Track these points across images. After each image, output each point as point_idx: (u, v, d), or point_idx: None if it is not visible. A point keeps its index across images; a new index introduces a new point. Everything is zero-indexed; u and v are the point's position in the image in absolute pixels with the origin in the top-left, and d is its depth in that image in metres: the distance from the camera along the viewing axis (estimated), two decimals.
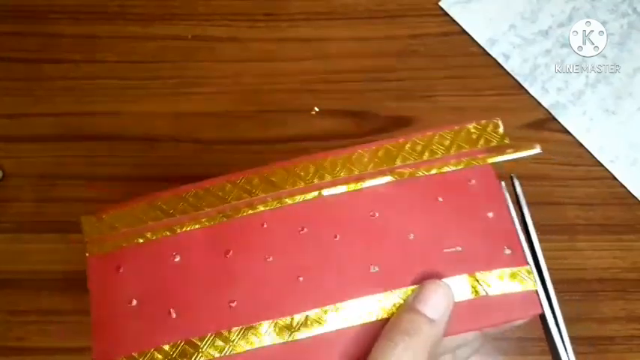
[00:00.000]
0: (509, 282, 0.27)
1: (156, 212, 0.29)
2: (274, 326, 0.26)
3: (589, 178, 0.43)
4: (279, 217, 0.28)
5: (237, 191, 0.29)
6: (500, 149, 0.30)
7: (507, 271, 0.27)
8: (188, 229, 0.29)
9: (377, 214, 0.28)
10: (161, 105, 0.45)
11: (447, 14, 0.47)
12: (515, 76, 0.46)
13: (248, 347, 0.26)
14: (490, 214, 0.28)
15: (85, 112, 0.45)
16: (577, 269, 0.41)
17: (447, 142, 0.29)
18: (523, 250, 0.27)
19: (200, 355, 0.26)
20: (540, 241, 0.28)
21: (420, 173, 0.29)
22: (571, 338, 0.40)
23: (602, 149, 0.43)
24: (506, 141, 0.30)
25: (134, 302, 0.27)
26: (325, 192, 0.29)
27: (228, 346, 0.26)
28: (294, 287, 0.27)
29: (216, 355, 0.26)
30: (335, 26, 0.47)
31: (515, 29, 0.47)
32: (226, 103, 0.45)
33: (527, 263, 0.27)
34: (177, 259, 0.28)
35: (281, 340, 0.26)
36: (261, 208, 0.29)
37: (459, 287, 0.27)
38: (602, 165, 0.43)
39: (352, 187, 0.29)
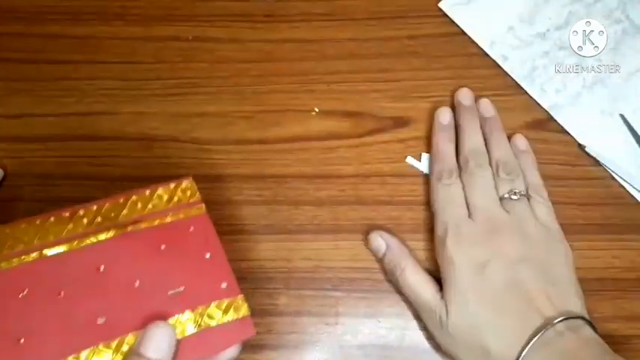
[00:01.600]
0: (227, 312, 0.30)
1: None
2: None
3: (588, 178, 0.43)
4: None
5: None
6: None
7: (225, 302, 0.30)
8: None
9: (102, 268, 0.30)
10: (161, 105, 0.46)
11: (446, 15, 0.48)
12: (514, 77, 0.46)
13: None
14: (207, 255, 0.31)
15: (86, 113, 0.45)
16: (576, 269, 0.41)
17: (166, 197, 0.33)
18: (236, 282, 0.31)
19: None
20: None
21: (143, 225, 0.32)
22: None
23: (601, 149, 0.44)
24: (198, 194, 0.34)
25: None
26: (47, 251, 0.30)
27: None
28: (14, 350, 0.28)
29: None
30: (334, 27, 0.47)
31: (513, 31, 0.47)
32: (226, 103, 0.46)
33: (241, 293, 0.31)
34: None
35: None
36: None
37: (183, 324, 0.29)
38: (600, 165, 0.43)
39: (75, 244, 0.30)
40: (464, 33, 0.47)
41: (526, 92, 0.45)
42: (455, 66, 0.46)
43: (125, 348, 0.28)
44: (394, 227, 0.42)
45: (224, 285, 0.31)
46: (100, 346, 0.28)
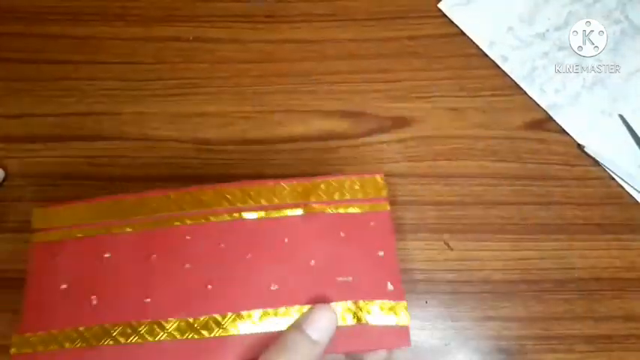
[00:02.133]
0: (388, 314, 0.31)
1: (98, 213, 0.34)
2: (179, 324, 0.30)
3: (587, 178, 0.44)
4: (201, 231, 0.33)
5: (169, 205, 0.33)
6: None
7: (387, 303, 0.31)
8: (121, 231, 0.33)
9: (287, 240, 0.32)
10: (162, 105, 0.46)
11: (445, 16, 0.48)
12: (514, 77, 0.46)
13: (152, 339, 0.30)
14: (381, 253, 0.32)
15: (86, 113, 0.46)
16: (575, 268, 0.41)
17: (357, 187, 0.34)
18: (402, 288, 0.31)
19: (109, 339, 0.30)
20: None
21: (329, 210, 0.33)
22: (569, 337, 0.40)
23: (600, 149, 0.44)
24: (386, 191, 0.34)
25: (63, 286, 0.32)
26: (245, 215, 0.33)
27: (135, 335, 0.30)
28: (202, 293, 0.31)
29: (123, 341, 0.30)
30: (335, 28, 0.48)
31: (513, 31, 0.47)
32: (227, 103, 0.46)
33: (404, 299, 0.31)
34: (107, 255, 0.32)
35: (183, 337, 0.30)
36: (187, 221, 0.33)
37: (343, 312, 0.31)
38: (599, 165, 0.44)
39: (269, 214, 0.33)
40: (463, 33, 0.47)
41: (525, 92, 0.46)
42: (454, 66, 0.46)
43: (289, 319, 0.30)
44: (394, 227, 0.42)
45: (390, 287, 0.31)
46: (270, 310, 0.31)
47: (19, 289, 0.41)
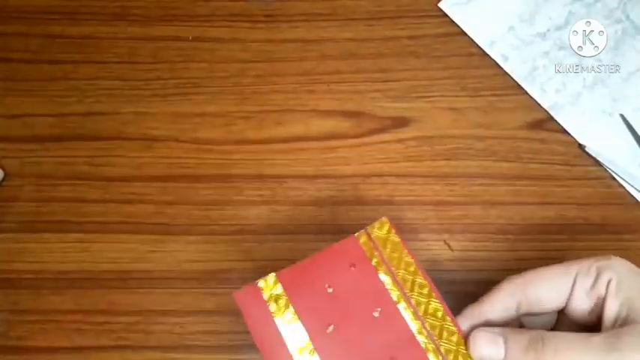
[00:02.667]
0: None
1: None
2: None
3: (588, 178, 0.43)
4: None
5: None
6: None
7: None
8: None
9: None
10: (161, 105, 0.46)
11: (446, 15, 0.47)
12: (514, 77, 0.46)
13: None
14: None
15: (86, 113, 0.45)
16: None
17: None
18: None
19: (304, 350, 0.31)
20: None
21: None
22: None
23: (601, 149, 0.44)
24: None
25: (329, 288, 0.33)
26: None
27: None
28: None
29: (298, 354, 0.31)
30: (334, 27, 0.47)
31: (513, 31, 0.47)
32: (226, 103, 0.46)
33: None
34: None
35: None
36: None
37: None
38: (600, 165, 0.44)
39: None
40: (464, 33, 0.47)
41: (526, 92, 0.45)
42: (455, 66, 0.46)
43: None
44: (394, 227, 0.42)
45: None
46: None
47: (18, 289, 0.41)
